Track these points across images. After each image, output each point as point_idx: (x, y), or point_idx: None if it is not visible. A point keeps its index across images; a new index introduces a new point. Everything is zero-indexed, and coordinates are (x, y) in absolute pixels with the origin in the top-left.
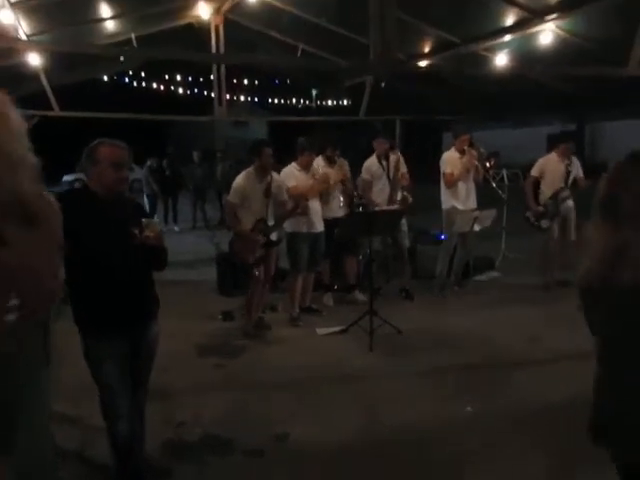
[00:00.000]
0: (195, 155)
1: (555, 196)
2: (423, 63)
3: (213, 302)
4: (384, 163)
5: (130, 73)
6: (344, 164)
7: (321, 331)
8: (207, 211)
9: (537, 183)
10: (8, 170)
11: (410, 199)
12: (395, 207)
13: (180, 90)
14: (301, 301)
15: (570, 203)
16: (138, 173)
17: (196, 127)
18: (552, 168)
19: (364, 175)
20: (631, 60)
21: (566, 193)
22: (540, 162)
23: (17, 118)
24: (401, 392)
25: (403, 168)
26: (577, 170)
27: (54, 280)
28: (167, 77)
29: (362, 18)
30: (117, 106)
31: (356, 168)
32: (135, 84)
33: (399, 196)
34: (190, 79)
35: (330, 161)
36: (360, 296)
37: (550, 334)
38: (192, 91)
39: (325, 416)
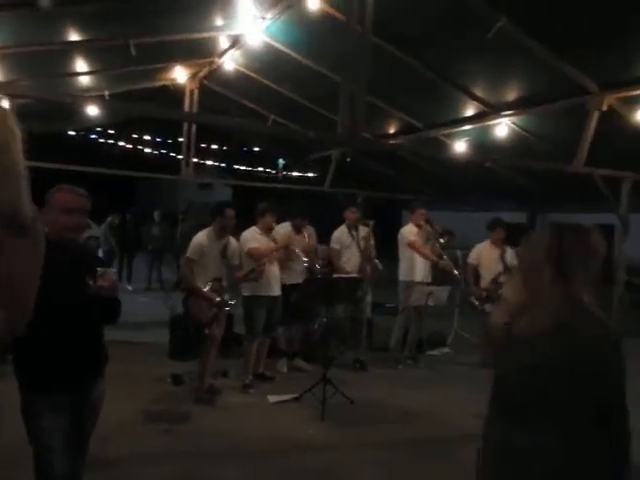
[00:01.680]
0: (156, 214)
1: (495, 281)
2: (388, 142)
3: (163, 365)
4: (354, 233)
5: (98, 130)
6: (312, 234)
7: (273, 399)
8: (163, 272)
9: (476, 269)
10: (15, 180)
11: (380, 266)
12: (354, 275)
13: (148, 150)
14: (254, 367)
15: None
16: (95, 231)
17: (160, 188)
18: (487, 255)
19: (333, 244)
20: (576, 158)
21: (504, 278)
22: (475, 250)
23: (20, 136)
24: (351, 463)
25: (372, 240)
26: (511, 257)
27: (33, 297)
28: (136, 136)
29: (334, 97)
30: (83, 161)
31: (319, 238)
32: (103, 141)
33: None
34: (159, 140)
35: (298, 230)
36: (302, 364)
37: None
38: (160, 152)
39: None
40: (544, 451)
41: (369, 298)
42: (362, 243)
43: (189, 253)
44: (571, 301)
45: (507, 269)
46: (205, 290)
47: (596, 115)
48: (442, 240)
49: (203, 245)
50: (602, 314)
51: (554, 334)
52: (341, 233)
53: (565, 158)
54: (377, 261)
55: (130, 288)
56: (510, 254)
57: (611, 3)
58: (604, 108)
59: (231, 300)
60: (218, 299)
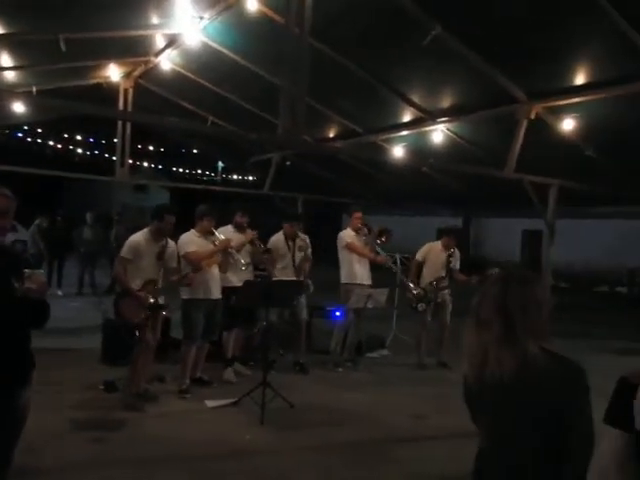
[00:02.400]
0: (88, 217)
1: (434, 283)
2: (328, 146)
3: (95, 372)
4: (290, 244)
5: (25, 128)
6: (252, 232)
7: (211, 403)
8: (96, 276)
9: (420, 266)
10: None
11: (311, 287)
12: (293, 278)
13: (80, 150)
14: (192, 371)
15: (447, 292)
16: (23, 234)
17: (93, 189)
18: (435, 255)
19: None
20: (507, 165)
21: (445, 283)
22: (425, 248)
23: None
24: (290, 467)
25: (309, 250)
26: (455, 262)
27: None
28: (66, 136)
29: (273, 99)
30: (8, 160)
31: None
32: (30, 140)
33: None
34: (92, 140)
35: (240, 228)
36: (241, 368)
37: (434, 412)
38: (92, 153)
39: None
40: None
41: (304, 300)
42: (298, 255)
43: (123, 252)
44: (520, 352)
45: (448, 274)
46: (138, 290)
47: (525, 123)
48: (379, 241)
49: (140, 245)
50: (555, 359)
51: (506, 385)
52: (278, 240)
53: (497, 164)
54: (310, 281)
55: (60, 293)
56: (456, 259)
57: (541, 15)
58: (532, 117)
59: (165, 303)
60: (152, 300)
